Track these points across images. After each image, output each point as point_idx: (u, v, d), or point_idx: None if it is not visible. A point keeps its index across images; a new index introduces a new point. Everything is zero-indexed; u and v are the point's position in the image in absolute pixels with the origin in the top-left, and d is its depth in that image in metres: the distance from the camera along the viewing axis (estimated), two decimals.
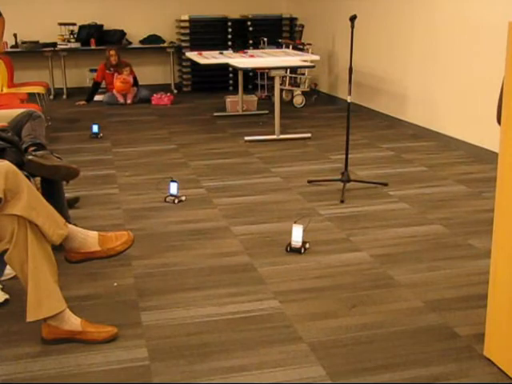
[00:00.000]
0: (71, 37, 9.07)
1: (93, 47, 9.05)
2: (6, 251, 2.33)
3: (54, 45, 8.99)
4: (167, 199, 4.24)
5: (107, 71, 8.49)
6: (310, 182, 4.64)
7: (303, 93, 8.20)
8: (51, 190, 3.25)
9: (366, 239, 3.54)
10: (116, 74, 8.44)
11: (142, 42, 9.43)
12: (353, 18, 4.18)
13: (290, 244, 3.37)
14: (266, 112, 7.59)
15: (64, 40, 9.04)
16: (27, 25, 9.07)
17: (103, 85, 8.60)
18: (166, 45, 9.42)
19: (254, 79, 9.31)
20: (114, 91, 8.40)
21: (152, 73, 9.60)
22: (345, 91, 7.84)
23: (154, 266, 3.20)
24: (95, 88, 8.56)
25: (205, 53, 7.33)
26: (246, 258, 3.30)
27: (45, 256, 2.37)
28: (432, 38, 6.05)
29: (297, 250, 3.34)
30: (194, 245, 3.49)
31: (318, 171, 4.96)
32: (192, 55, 7.20)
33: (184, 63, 9.32)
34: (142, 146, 5.94)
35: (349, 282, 3.00)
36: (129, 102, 8.42)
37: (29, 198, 2.32)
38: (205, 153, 5.62)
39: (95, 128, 6.33)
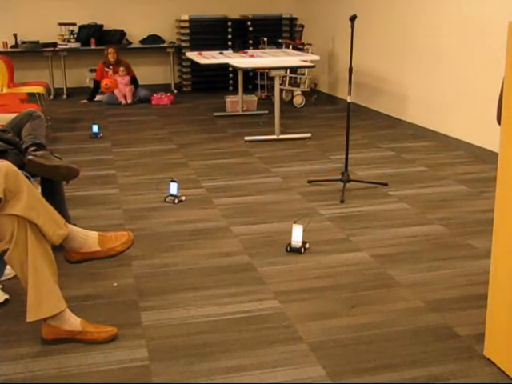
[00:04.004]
0: (71, 37, 9.07)
1: (93, 47, 9.05)
2: (5, 251, 2.33)
3: (54, 45, 8.99)
4: (167, 199, 4.24)
5: (106, 69, 8.52)
6: (309, 182, 4.64)
7: (303, 93, 8.20)
8: (51, 189, 3.26)
9: (366, 239, 3.54)
10: (111, 72, 8.48)
11: (142, 42, 9.43)
12: (353, 18, 4.18)
13: (290, 244, 3.37)
14: (266, 112, 7.59)
15: (64, 40, 9.05)
16: (27, 25, 9.07)
17: None
18: (165, 45, 9.42)
19: (254, 79, 9.32)
20: (115, 91, 8.41)
21: (152, 73, 9.60)
22: (345, 91, 7.84)
23: (154, 266, 3.20)
24: (96, 87, 8.58)
25: (205, 53, 7.33)
26: (246, 257, 3.30)
27: (45, 256, 2.37)
28: (432, 38, 6.05)
29: (297, 250, 3.34)
30: (194, 245, 3.49)
31: (318, 171, 4.96)
32: (192, 55, 7.20)
33: (184, 63, 9.32)
34: (142, 145, 5.94)
35: (349, 281, 3.00)
36: (129, 101, 8.42)
37: (29, 198, 2.32)
38: (205, 153, 5.62)
39: (95, 128, 6.33)
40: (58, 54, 8.97)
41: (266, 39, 8.88)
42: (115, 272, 3.12)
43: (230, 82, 9.56)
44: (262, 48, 8.69)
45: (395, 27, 6.76)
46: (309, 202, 4.21)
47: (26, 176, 2.47)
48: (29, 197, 2.32)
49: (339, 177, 4.49)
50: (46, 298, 2.37)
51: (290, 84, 8.32)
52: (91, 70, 9.11)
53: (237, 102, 7.67)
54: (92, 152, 5.71)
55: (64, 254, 2.57)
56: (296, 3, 9.65)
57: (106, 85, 8.39)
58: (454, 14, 5.65)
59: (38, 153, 3.13)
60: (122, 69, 8.40)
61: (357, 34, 7.21)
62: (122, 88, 8.40)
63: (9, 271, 2.79)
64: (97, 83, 8.58)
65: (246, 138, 6.08)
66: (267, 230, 3.71)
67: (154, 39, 9.43)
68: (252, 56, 6.95)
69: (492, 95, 4.93)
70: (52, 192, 3.24)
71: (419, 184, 4.60)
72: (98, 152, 5.71)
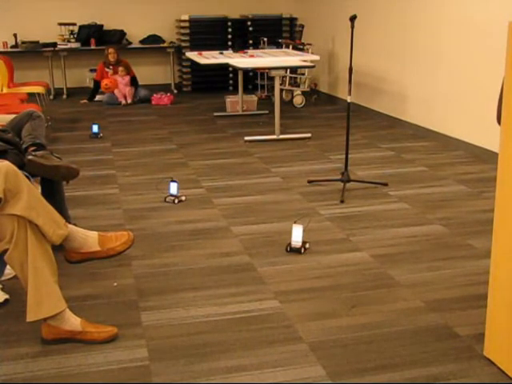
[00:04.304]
0: (71, 37, 9.07)
1: (93, 47, 9.05)
2: (5, 251, 2.33)
3: (54, 45, 8.99)
4: (167, 199, 4.24)
5: (106, 69, 8.52)
6: (310, 181, 4.64)
7: (303, 93, 8.20)
8: (51, 189, 3.25)
9: (366, 239, 3.54)
10: (111, 72, 8.50)
11: (142, 42, 9.43)
12: (353, 18, 4.18)
13: (290, 244, 3.37)
14: (266, 112, 7.59)
15: (64, 40, 9.04)
16: (27, 25, 9.07)
17: None
18: (165, 45, 9.42)
19: (254, 79, 9.31)
20: (115, 91, 8.41)
21: (152, 73, 9.60)
22: (345, 91, 7.84)
23: (154, 266, 3.20)
24: (96, 87, 8.59)
25: (205, 53, 7.33)
26: (246, 257, 3.30)
27: (45, 256, 2.37)
28: (432, 38, 6.05)
29: (297, 250, 3.34)
30: (194, 245, 3.49)
31: (318, 171, 4.96)
32: (192, 55, 7.20)
33: (184, 63, 9.32)
34: (142, 145, 5.94)
35: (349, 281, 3.00)
36: (129, 101, 8.42)
37: (29, 198, 2.32)
38: (205, 153, 5.62)
39: (95, 128, 6.33)
40: (58, 54, 8.97)
41: (265, 39, 8.88)
42: (115, 272, 3.12)
43: (230, 81, 9.56)
44: (262, 48, 8.69)
45: (395, 27, 6.76)
46: (309, 201, 4.21)
47: (26, 176, 2.47)
48: (29, 197, 2.32)
49: (339, 177, 4.49)
50: (45, 298, 2.37)
51: (290, 84, 8.32)
52: (91, 70, 9.11)
53: (237, 102, 7.67)
54: (92, 152, 5.71)
55: (64, 253, 2.57)
56: (296, 3, 9.65)
57: (106, 85, 8.39)
58: (454, 14, 5.65)
59: (38, 153, 3.13)
60: (121, 69, 8.40)
61: (357, 34, 7.20)
62: (122, 88, 8.41)
63: (9, 271, 2.79)
64: (97, 83, 8.58)
65: (246, 138, 6.08)
66: (267, 229, 3.71)
67: (154, 39, 9.43)
68: (252, 56, 6.95)
69: (492, 95, 4.93)
70: (52, 192, 3.24)
71: (419, 184, 4.60)
72: (98, 152, 5.71)
